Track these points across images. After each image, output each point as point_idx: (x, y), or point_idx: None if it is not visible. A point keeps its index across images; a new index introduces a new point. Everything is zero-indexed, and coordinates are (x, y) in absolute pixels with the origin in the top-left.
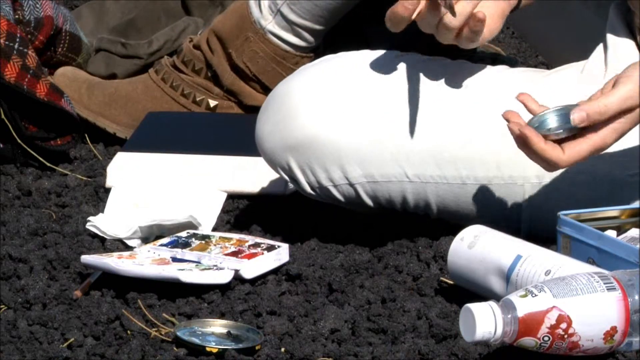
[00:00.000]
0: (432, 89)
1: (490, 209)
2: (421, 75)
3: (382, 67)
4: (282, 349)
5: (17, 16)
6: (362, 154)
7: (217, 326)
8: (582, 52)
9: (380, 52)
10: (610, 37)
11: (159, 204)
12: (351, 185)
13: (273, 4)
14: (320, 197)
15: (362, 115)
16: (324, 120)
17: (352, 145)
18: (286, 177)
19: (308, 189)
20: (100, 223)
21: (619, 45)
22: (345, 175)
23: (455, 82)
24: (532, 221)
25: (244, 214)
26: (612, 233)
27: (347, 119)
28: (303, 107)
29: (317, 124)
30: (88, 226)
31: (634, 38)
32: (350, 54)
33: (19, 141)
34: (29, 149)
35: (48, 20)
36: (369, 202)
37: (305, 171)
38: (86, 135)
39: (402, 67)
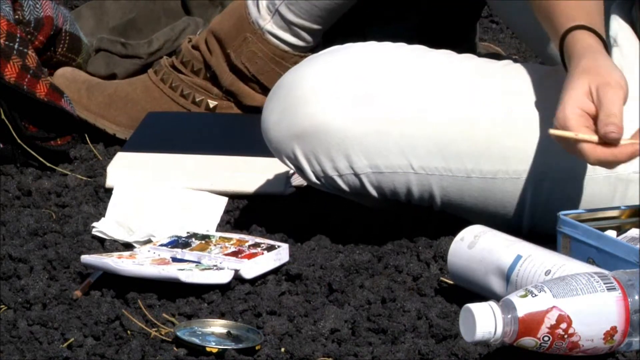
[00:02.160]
0: (439, 81)
1: (494, 203)
2: (428, 66)
3: (390, 58)
4: (282, 349)
5: (17, 16)
6: (368, 145)
7: (217, 326)
8: None
9: (387, 44)
10: (615, 37)
11: (159, 209)
12: (356, 175)
13: (271, 4)
14: (325, 187)
15: (369, 105)
16: (330, 109)
17: (359, 135)
18: (291, 166)
19: (313, 178)
20: (105, 228)
21: (623, 45)
22: (350, 165)
23: (462, 74)
24: (535, 217)
25: (244, 214)
26: (612, 233)
27: (353, 109)
28: (310, 96)
29: (323, 113)
30: (94, 232)
31: (639, 37)
32: (358, 45)
33: (19, 141)
34: (29, 149)
35: (48, 20)
36: (374, 192)
37: (311, 160)
38: (86, 135)
39: (409, 58)
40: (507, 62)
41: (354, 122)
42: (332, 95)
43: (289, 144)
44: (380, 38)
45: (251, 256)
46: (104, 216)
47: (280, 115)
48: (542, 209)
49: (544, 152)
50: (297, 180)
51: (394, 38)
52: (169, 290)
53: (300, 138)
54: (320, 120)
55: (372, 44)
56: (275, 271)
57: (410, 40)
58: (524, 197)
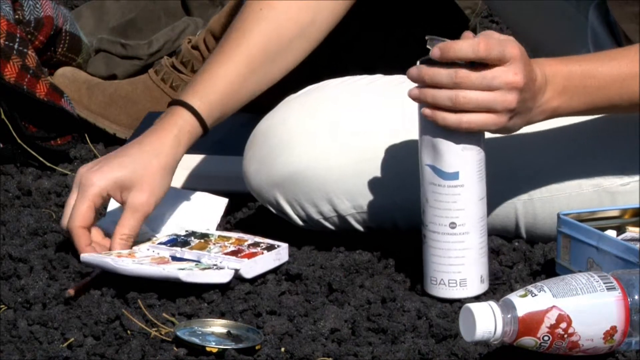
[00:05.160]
0: (415, 114)
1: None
2: (403, 101)
3: (363, 96)
4: (282, 349)
5: (17, 16)
6: (349, 187)
7: (217, 326)
8: (572, 52)
9: (360, 78)
10: (591, 41)
11: (159, 209)
12: (341, 217)
13: None
14: (312, 228)
15: (345, 147)
16: (307, 155)
17: (338, 179)
18: (275, 212)
19: (299, 222)
20: (105, 228)
21: (601, 50)
22: (334, 208)
23: None
24: (528, 232)
25: (244, 214)
26: (612, 233)
27: (331, 152)
28: (286, 144)
29: (300, 160)
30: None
31: (615, 40)
32: (331, 84)
33: (19, 141)
34: (29, 149)
35: (48, 20)
36: (361, 228)
37: (294, 206)
38: (86, 135)
39: (382, 93)
40: None
41: (332, 165)
42: (308, 141)
43: (270, 191)
44: (371, 47)
45: (251, 255)
46: (104, 216)
47: (259, 163)
48: (533, 226)
49: (528, 174)
50: None
51: (384, 45)
52: (169, 290)
53: (280, 186)
54: (298, 167)
55: (346, 81)
56: (275, 271)
57: (399, 49)
58: (514, 218)
